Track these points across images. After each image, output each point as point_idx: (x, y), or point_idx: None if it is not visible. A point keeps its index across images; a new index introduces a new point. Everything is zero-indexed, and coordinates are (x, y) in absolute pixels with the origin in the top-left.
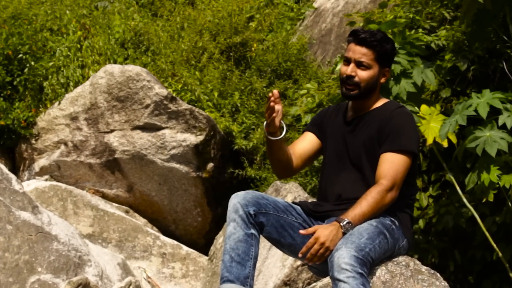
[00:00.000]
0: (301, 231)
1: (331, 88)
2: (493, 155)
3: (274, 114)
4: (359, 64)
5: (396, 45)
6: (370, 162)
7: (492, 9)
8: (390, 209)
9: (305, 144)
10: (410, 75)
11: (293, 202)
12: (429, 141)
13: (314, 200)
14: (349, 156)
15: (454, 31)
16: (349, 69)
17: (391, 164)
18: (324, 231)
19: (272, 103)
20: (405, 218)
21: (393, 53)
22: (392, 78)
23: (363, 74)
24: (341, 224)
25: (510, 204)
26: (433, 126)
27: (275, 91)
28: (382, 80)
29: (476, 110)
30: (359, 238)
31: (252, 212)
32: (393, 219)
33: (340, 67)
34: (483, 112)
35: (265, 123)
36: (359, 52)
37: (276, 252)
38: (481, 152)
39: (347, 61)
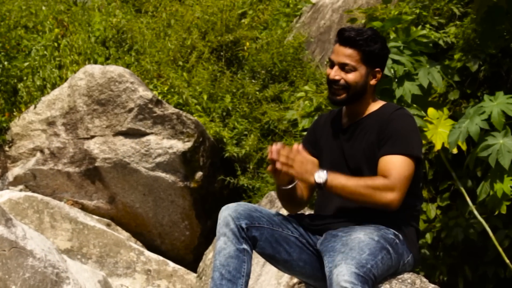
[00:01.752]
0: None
1: None
2: (506, 167)
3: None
4: (343, 67)
5: (400, 43)
6: (371, 170)
7: (507, 6)
8: (393, 221)
9: None
10: (415, 77)
11: (289, 215)
12: (438, 146)
13: (311, 212)
14: (348, 166)
15: (464, 28)
16: (333, 73)
17: (393, 165)
18: (301, 162)
19: (280, 165)
20: (410, 231)
21: (382, 53)
22: (395, 80)
23: (348, 77)
24: (318, 173)
25: None
26: (441, 131)
27: (274, 147)
28: (373, 81)
29: (489, 117)
30: (360, 253)
31: (244, 226)
32: (396, 232)
33: (327, 70)
34: (499, 124)
35: None
36: (342, 53)
37: (271, 269)
38: (494, 163)
39: (331, 63)
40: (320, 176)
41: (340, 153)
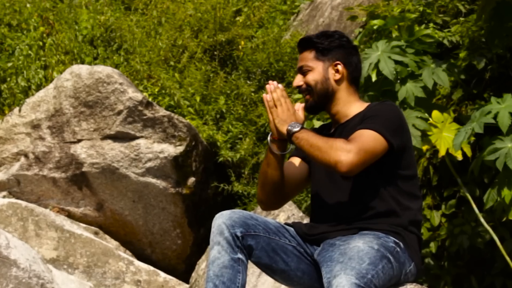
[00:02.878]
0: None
1: None
2: None
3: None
4: (301, 70)
5: (403, 42)
6: (361, 172)
7: None
8: (393, 229)
9: (291, 168)
10: (419, 77)
11: (286, 223)
12: (442, 152)
13: (308, 220)
14: None
15: (470, 25)
16: (295, 81)
17: (360, 135)
18: (288, 110)
19: (271, 98)
20: (411, 239)
21: (337, 44)
22: (398, 81)
23: (307, 78)
24: (292, 124)
25: None
26: (446, 135)
27: (274, 82)
28: (337, 76)
29: (495, 119)
30: (360, 263)
31: (239, 234)
32: (397, 240)
33: None
34: (504, 125)
35: (270, 134)
36: (300, 59)
37: (267, 280)
38: (501, 166)
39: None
40: (293, 126)
41: None
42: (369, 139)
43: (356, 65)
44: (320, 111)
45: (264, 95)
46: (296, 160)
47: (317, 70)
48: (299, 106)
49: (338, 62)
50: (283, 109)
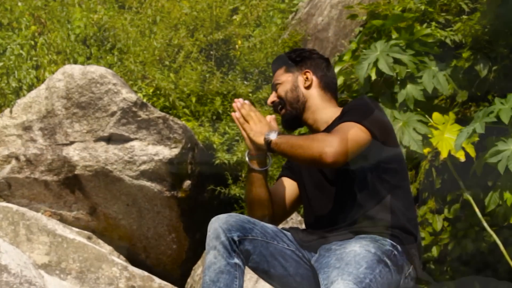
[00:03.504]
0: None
1: None
2: None
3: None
4: (274, 87)
5: (403, 42)
6: (348, 173)
7: None
8: (390, 231)
9: (280, 189)
10: (419, 80)
11: (283, 228)
12: (444, 154)
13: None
14: (328, 179)
15: (473, 24)
16: (268, 99)
17: (341, 127)
18: (259, 121)
19: (240, 115)
20: (409, 241)
21: (304, 55)
22: (398, 82)
23: (278, 91)
24: (268, 133)
25: None
26: (448, 137)
27: (240, 99)
28: (306, 83)
29: (498, 117)
30: (357, 268)
31: (236, 238)
32: (394, 243)
33: None
34: (506, 118)
35: (247, 152)
36: (274, 78)
37: (264, 286)
38: (503, 169)
39: None
40: (269, 134)
41: (318, 170)
42: (350, 129)
43: (327, 73)
44: (298, 125)
45: (232, 113)
46: (284, 180)
47: (287, 81)
48: (271, 118)
49: (307, 70)
50: (255, 121)
